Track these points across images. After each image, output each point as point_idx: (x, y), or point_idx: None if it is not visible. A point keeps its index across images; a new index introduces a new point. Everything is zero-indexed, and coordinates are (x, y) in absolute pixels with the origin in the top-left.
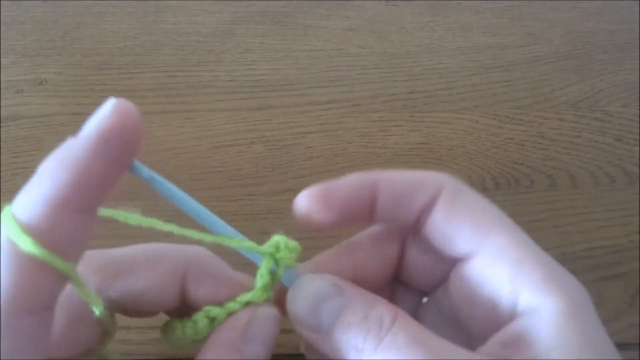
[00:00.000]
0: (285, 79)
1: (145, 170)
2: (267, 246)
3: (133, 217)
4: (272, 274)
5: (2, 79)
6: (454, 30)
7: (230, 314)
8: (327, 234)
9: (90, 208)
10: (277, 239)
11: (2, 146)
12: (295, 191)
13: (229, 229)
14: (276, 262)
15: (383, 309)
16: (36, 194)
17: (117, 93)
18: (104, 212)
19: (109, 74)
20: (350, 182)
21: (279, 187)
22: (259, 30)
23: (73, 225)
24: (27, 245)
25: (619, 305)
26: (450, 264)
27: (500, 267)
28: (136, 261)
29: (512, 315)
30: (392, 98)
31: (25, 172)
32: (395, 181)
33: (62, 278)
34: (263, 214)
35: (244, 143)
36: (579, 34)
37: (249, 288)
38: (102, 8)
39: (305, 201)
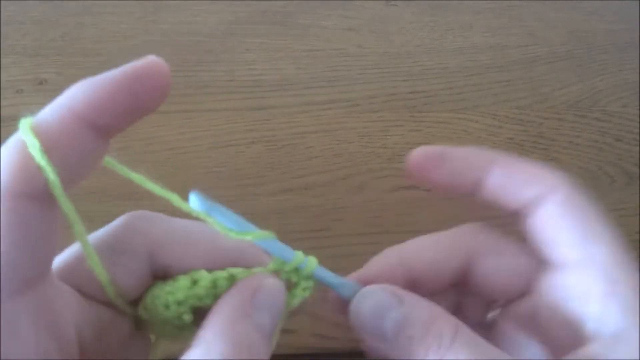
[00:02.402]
0: (285, 79)
1: (205, 202)
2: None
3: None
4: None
5: (2, 79)
6: (454, 30)
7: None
8: (329, 235)
9: (103, 130)
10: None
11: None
12: (295, 191)
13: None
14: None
15: (443, 323)
16: (56, 103)
17: None
18: (110, 162)
19: None
20: (469, 152)
21: (279, 187)
22: (259, 30)
23: (82, 139)
24: (32, 145)
25: None
26: (533, 274)
27: (594, 285)
28: (196, 241)
29: (595, 337)
30: (392, 98)
31: None
32: (512, 164)
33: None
34: (263, 214)
35: (244, 143)
36: (579, 34)
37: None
38: (102, 8)
39: (420, 157)
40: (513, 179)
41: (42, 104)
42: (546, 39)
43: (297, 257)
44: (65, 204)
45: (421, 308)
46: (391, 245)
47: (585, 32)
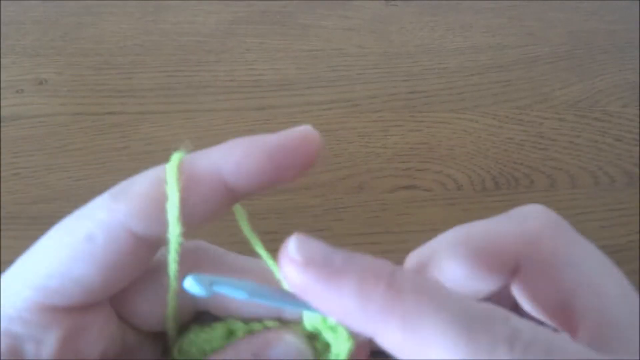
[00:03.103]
0: (285, 79)
1: (204, 283)
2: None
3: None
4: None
5: (2, 79)
6: (454, 30)
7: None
8: (329, 235)
9: (235, 191)
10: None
11: (2, 146)
12: (295, 191)
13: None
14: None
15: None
16: (210, 155)
17: (117, 93)
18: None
19: (109, 74)
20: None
21: (279, 187)
22: (259, 30)
23: (214, 197)
24: (172, 192)
25: None
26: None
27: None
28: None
29: None
30: (392, 98)
31: (25, 172)
32: (474, 243)
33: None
34: (263, 214)
35: None
36: (579, 34)
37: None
38: (102, 8)
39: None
40: (477, 267)
41: (42, 104)
42: (546, 39)
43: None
44: (173, 255)
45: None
46: (391, 245)
47: (585, 32)
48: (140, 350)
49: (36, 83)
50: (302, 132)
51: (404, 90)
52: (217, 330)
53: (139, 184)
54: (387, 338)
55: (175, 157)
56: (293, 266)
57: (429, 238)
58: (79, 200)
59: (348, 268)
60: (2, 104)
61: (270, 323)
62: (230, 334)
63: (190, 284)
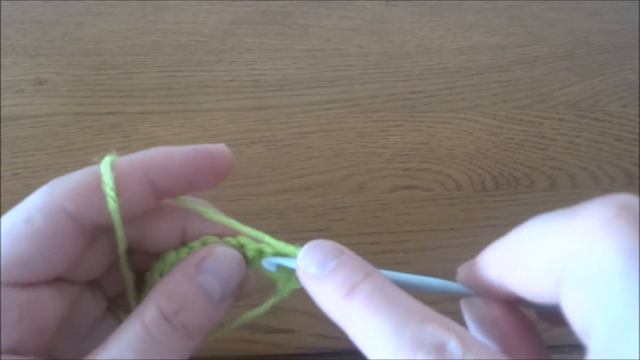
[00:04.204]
0: (285, 79)
1: (272, 263)
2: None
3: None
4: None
5: (2, 79)
6: (454, 30)
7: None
8: (329, 235)
9: (160, 191)
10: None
11: (2, 146)
12: (295, 191)
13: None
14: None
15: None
16: (135, 157)
17: (117, 93)
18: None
19: (109, 74)
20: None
21: (279, 187)
22: (259, 30)
23: (141, 192)
24: (107, 178)
25: None
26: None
27: None
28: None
29: None
30: (392, 98)
31: (25, 172)
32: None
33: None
34: (263, 214)
35: (244, 143)
36: (579, 34)
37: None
38: (102, 8)
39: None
40: (508, 270)
41: (42, 104)
42: (546, 39)
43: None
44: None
45: (354, 259)
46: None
47: (585, 32)
48: (93, 309)
49: (36, 83)
50: (217, 147)
51: (404, 90)
52: (168, 257)
53: (74, 175)
54: (347, 332)
55: (107, 158)
56: (298, 269)
57: (429, 238)
58: None
59: (330, 276)
60: (2, 104)
61: (208, 239)
62: (178, 257)
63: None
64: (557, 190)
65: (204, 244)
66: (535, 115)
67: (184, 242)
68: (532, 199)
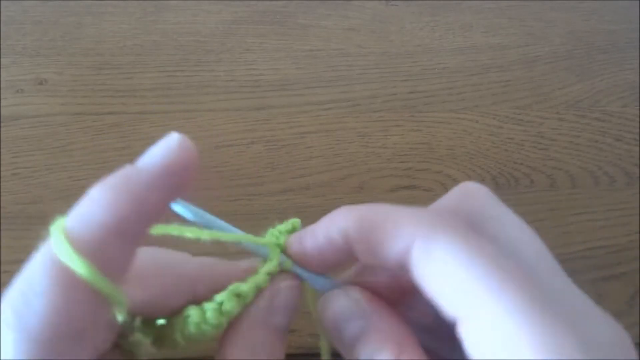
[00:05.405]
0: (285, 79)
1: (191, 209)
2: (270, 237)
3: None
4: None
5: (2, 79)
6: (454, 30)
7: (240, 295)
8: None
9: (140, 237)
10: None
11: (2, 146)
12: (295, 191)
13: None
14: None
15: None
16: (91, 219)
17: (117, 93)
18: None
19: (109, 74)
20: (322, 231)
21: (279, 187)
22: (259, 30)
23: (122, 254)
24: (81, 268)
25: (618, 305)
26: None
27: (492, 339)
28: (145, 270)
29: None
30: (392, 98)
31: (25, 172)
32: (363, 226)
33: (107, 303)
34: (263, 214)
35: (244, 143)
36: (579, 34)
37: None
38: (102, 8)
39: (293, 247)
40: (370, 243)
41: (42, 104)
42: (546, 39)
43: (275, 253)
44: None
45: (380, 322)
46: None
47: (585, 32)
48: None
49: (36, 83)
50: (172, 148)
51: (404, 90)
52: (191, 316)
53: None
54: None
55: (58, 228)
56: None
57: None
58: (79, 201)
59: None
60: (2, 104)
61: (238, 288)
62: (239, 298)
63: (181, 209)
64: (557, 190)
65: (235, 294)
66: (535, 115)
67: (195, 292)
68: (532, 199)
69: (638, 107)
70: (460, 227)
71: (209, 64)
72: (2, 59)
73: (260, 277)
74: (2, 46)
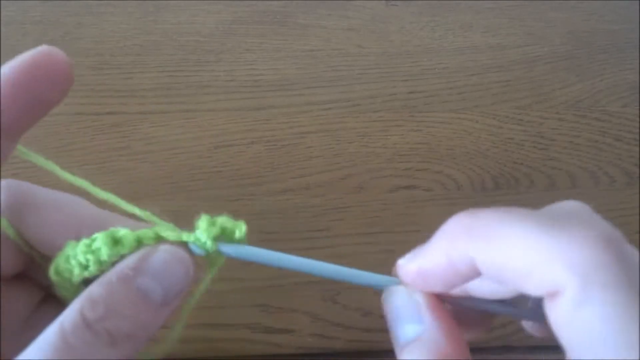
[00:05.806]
0: (285, 79)
1: (232, 248)
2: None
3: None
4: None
5: None
6: (454, 30)
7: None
8: (329, 235)
9: (7, 131)
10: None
11: None
12: (295, 191)
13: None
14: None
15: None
16: None
17: (116, 93)
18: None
19: (109, 74)
20: (441, 258)
21: (279, 187)
22: (258, 30)
23: None
24: None
25: None
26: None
27: None
28: (49, 202)
29: None
30: (392, 98)
31: (25, 172)
32: (495, 264)
33: None
34: (263, 214)
35: (244, 143)
36: (579, 34)
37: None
38: (102, 8)
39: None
40: (510, 274)
41: None
42: (546, 39)
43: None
44: None
45: (437, 333)
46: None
47: (585, 32)
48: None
49: None
50: (38, 52)
51: (404, 90)
52: (98, 240)
53: None
54: None
55: None
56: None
57: (429, 238)
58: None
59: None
60: None
61: (162, 231)
62: (116, 242)
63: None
64: (557, 190)
65: (111, 237)
66: (535, 115)
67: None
68: (532, 199)
69: (638, 107)
70: (618, 282)
71: (209, 64)
72: (2, 59)
73: (145, 233)
74: (2, 46)
